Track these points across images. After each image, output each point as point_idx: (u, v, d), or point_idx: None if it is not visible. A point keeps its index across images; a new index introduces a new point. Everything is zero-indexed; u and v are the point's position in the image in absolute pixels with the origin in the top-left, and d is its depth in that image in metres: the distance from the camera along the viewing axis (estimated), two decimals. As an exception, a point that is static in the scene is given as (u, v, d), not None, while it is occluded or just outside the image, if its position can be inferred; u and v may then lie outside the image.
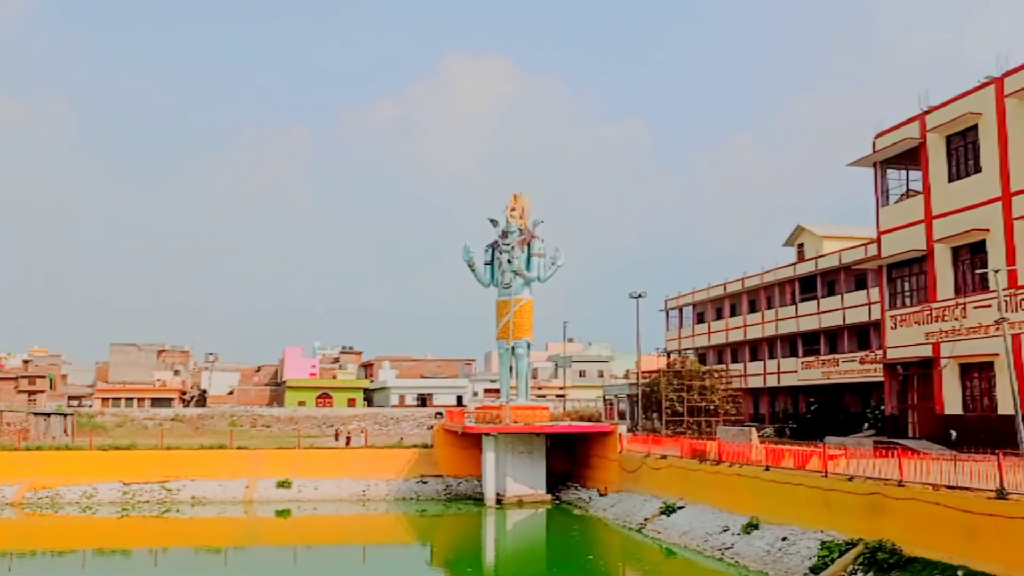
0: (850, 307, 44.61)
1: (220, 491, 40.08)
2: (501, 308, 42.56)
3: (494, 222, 43.07)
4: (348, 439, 52.05)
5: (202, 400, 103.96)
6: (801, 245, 51.15)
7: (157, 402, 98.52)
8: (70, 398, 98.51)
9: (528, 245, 42.36)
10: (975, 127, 30.58)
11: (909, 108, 36.21)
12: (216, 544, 31.77)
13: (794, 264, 49.72)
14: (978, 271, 30.14)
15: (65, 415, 54.26)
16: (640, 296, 46.21)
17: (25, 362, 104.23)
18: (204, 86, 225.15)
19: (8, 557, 29.36)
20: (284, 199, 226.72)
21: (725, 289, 55.97)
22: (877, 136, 35.06)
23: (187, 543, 32.15)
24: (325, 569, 27.63)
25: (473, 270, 43.15)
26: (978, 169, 30.44)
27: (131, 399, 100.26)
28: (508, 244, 42.24)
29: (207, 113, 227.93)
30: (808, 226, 51.06)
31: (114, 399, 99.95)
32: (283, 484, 40.57)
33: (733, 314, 55.90)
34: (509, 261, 41.84)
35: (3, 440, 46.88)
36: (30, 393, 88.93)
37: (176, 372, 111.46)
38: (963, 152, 31.33)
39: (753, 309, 53.62)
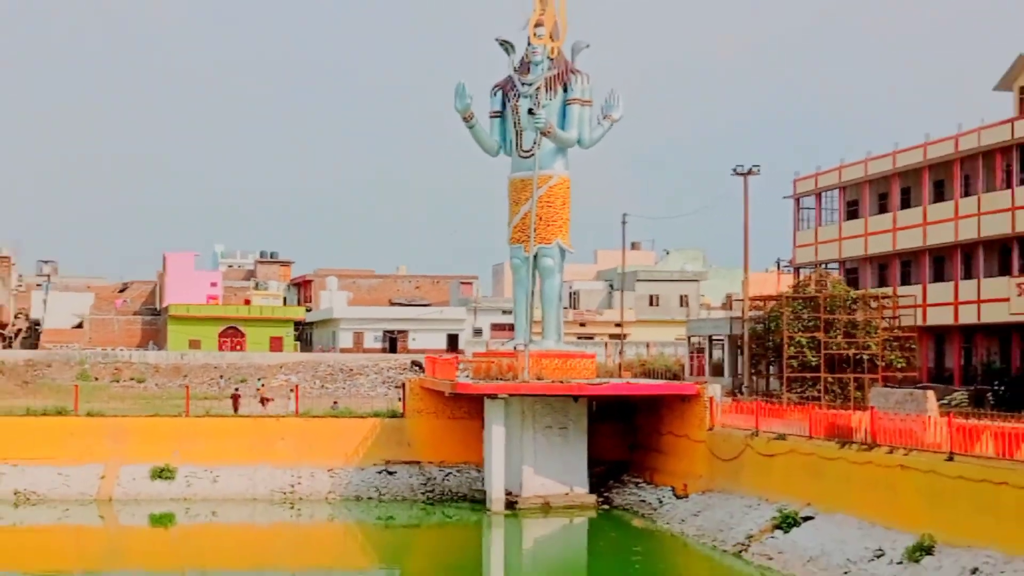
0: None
1: (61, 483, 32.40)
2: (517, 191, 33.05)
3: (506, 46, 33.68)
4: (264, 400, 42.43)
5: (33, 337, 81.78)
6: (1024, 90, 42.63)
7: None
8: None
9: (564, 86, 32.50)
10: None
11: None
12: (53, 570, 26.45)
13: (1012, 120, 38.49)
14: None
15: None
16: (750, 172, 36.41)
17: None
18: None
19: None
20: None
21: (894, 163, 43.21)
22: None
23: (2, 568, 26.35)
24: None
25: (471, 127, 32.92)
26: None
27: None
28: (530, 83, 32.24)
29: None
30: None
31: None
32: (162, 473, 32.87)
33: (906, 205, 43.98)
34: (531, 112, 31.65)
35: None
36: None
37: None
38: None
39: (941, 197, 41.87)
